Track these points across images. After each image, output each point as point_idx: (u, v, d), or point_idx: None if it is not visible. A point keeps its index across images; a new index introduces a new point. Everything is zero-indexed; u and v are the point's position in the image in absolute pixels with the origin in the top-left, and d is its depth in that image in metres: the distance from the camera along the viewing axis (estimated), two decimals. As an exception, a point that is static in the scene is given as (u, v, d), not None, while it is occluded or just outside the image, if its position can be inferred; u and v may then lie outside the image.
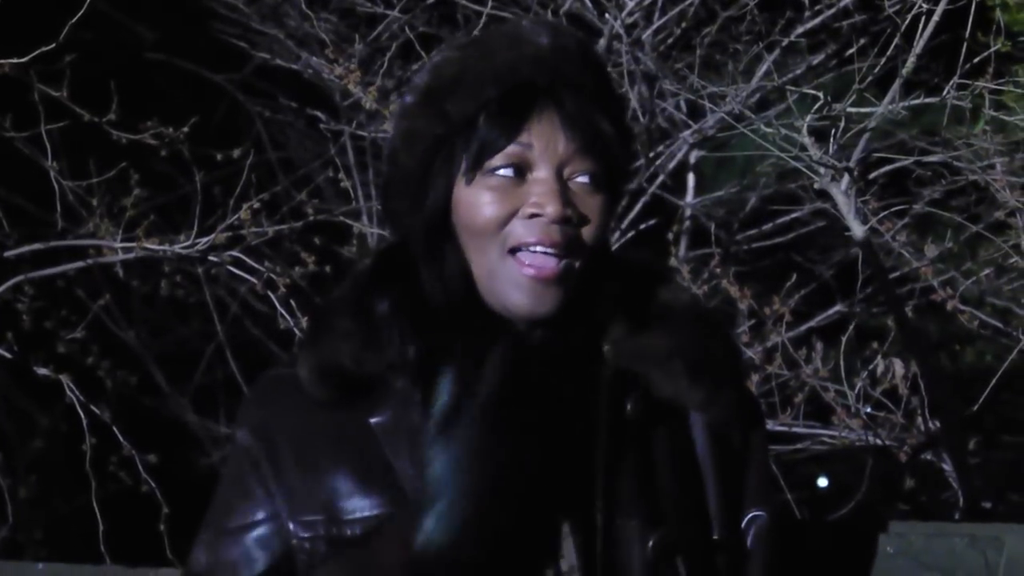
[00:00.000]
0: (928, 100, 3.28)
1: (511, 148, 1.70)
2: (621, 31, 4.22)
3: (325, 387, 1.74)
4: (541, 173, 1.70)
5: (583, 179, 1.71)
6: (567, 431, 1.69)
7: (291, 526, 1.73)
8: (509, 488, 1.67)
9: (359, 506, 1.71)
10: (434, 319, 1.73)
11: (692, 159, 4.95)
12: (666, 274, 1.90)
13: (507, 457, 1.68)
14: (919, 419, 3.83)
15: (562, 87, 1.71)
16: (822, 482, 5.36)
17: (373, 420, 1.72)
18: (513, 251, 1.70)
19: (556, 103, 1.70)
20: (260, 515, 1.75)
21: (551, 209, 1.68)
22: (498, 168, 1.70)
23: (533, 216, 1.69)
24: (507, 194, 1.70)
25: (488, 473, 1.67)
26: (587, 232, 1.71)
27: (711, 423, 1.77)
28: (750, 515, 1.80)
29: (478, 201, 1.71)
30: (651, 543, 1.68)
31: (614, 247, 2.15)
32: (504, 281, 1.71)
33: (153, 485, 3.69)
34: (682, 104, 4.68)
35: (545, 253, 1.69)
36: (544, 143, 1.70)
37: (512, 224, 1.70)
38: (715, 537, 1.75)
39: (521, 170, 1.71)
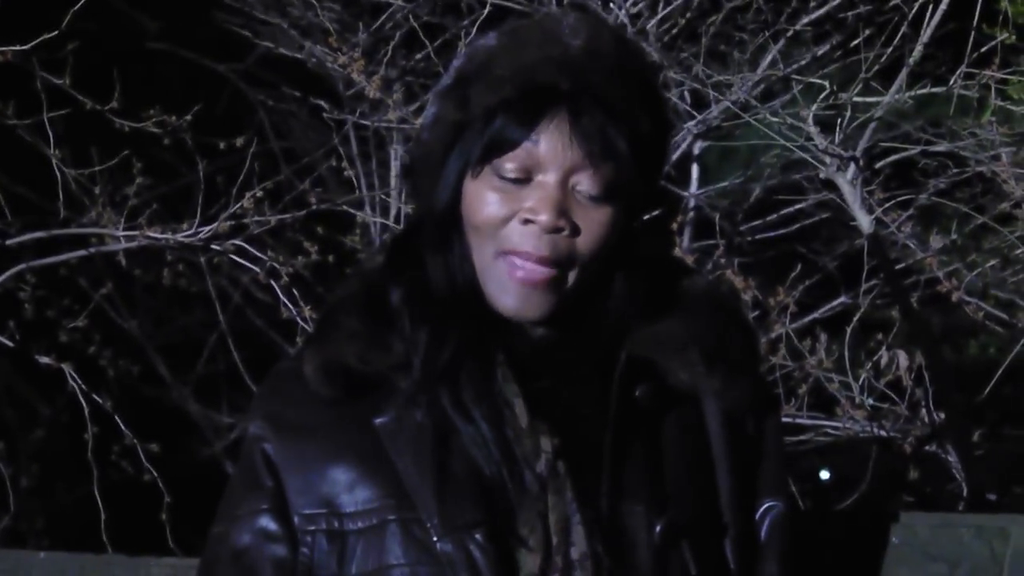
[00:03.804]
0: (935, 90, 3.27)
1: (519, 150, 1.69)
2: (626, 20, 4.20)
3: (329, 385, 1.74)
4: (544, 179, 1.69)
5: (587, 190, 1.69)
6: (578, 421, 1.69)
7: (296, 520, 1.74)
8: (519, 478, 1.67)
9: (360, 499, 1.71)
10: (440, 309, 1.73)
11: (696, 150, 4.94)
12: (684, 262, 1.90)
13: (517, 450, 1.68)
14: (923, 411, 3.82)
15: (583, 94, 1.68)
16: (824, 475, 5.35)
17: (377, 421, 1.72)
18: (505, 253, 1.70)
19: (573, 110, 1.68)
20: (266, 504, 1.75)
21: (544, 218, 1.67)
22: (504, 168, 1.69)
23: (527, 222, 1.69)
24: (509, 195, 1.70)
25: (493, 466, 1.67)
26: (582, 244, 1.70)
27: (727, 410, 1.76)
28: (765, 505, 1.80)
29: (481, 198, 1.71)
30: (658, 528, 1.68)
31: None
32: (494, 282, 1.72)
33: (155, 474, 3.68)
34: (686, 95, 4.67)
35: (535, 262, 1.69)
36: (552, 149, 1.68)
37: (509, 226, 1.70)
38: (724, 523, 1.75)
39: (527, 172, 1.69)
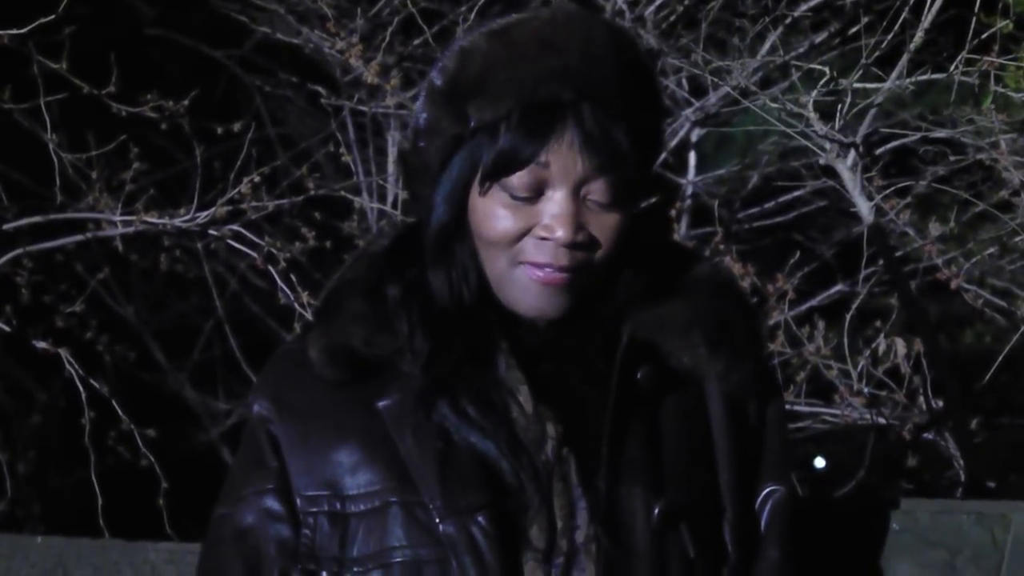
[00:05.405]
0: (935, 76, 3.26)
1: (528, 168, 1.68)
2: (624, 7, 4.19)
3: (334, 368, 1.74)
4: (556, 193, 1.68)
5: (599, 199, 1.69)
6: (583, 404, 1.69)
7: (298, 501, 1.73)
8: (525, 465, 1.67)
9: (362, 481, 1.70)
10: (441, 314, 1.73)
11: (694, 137, 4.93)
12: (687, 247, 1.90)
13: (522, 438, 1.68)
14: (921, 398, 3.82)
15: (585, 101, 1.67)
16: (819, 463, 5.35)
17: (380, 404, 1.72)
18: (523, 263, 1.70)
19: (577, 120, 1.67)
20: (270, 484, 1.75)
21: (561, 234, 1.68)
22: (514, 186, 1.68)
23: (544, 239, 1.69)
24: (521, 211, 1.69)
25: (501, 457, 1.67)
26: (598, 253, 1.71)
27: (729, 393, 1.76)
28: (767, 489, 1.80)
29: (491, 214, 1.70)
30: (656, 510, 1.67)
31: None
32: (513, 287, 1.72)
33: (152, 460, 3.67)
34: (684, 82, 4.66)
35: (555, 270, 1.69)
36: (561, 164, 1.67)
37: (524, 241, 1.70)
38: (723, 506, 1.74)
39: (538, 188, 1.69)
